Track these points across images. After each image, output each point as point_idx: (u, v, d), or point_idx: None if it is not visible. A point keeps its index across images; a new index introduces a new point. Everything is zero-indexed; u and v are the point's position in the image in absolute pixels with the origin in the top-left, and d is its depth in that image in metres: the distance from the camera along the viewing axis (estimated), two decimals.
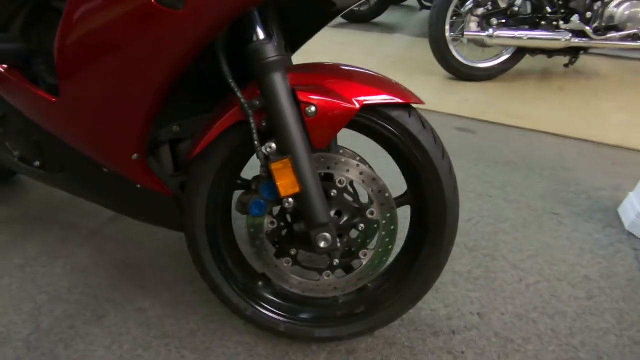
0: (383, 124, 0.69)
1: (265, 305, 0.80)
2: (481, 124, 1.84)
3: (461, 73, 2.29)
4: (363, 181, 0.71)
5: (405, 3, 4.47)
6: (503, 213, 1.26)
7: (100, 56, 0.56)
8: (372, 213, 0.72)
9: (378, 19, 3.83)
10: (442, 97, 2.14)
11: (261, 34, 0.59)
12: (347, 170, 0.70)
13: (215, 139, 0.66)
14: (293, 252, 0.75)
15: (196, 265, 0.78)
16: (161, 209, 0.83)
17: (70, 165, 0.77)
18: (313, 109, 0.62)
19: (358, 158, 0.87)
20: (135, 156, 0.69)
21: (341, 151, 0.82)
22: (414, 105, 0.72)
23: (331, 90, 0.63)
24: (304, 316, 0.81)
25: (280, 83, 0.60)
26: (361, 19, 3.80)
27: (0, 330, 0.89)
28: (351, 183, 0.73)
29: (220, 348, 0.85)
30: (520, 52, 2.21)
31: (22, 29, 0.66)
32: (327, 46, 3.18)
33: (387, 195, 0.72)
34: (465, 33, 2.13)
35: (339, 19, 3.77)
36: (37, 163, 0.81)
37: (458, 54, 2.25)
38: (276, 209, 0.73)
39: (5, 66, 0.65)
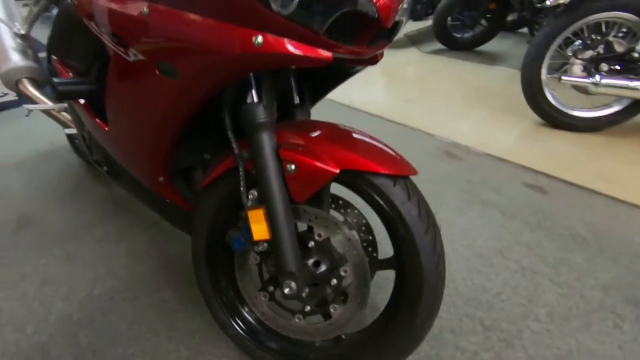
0: (366, 189, 0.70)
1: (247, 330, 0.88)
2: (558, 183, 1.61)
3: (556, 120, 2.02)
4: (339, 240, 0.73)
5: (521, 30, 4.09)
6: (543, 296, 1.10)
7: (128, 104, 0.72)
8: (345, 271, 0.74)
9: (483, 47, 3.60)
10: (523, 144, 1.93)
11: (252, 97, 0.66)
12: (326, 227, 0.73)
13: (216, 179, 0.76)
14: (271, 288, 0.81)
15: (196, 277, 0.90)
16: (185, 220, 0.98)
17: (122, 176, 0.98)
18: (293, 167, 0.67)
19: (350, 217, 0.87)
20: (161, 179, 0.84)
21: (333, 206, 0.84)
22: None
23: (314, 152, 0.67)
24: (279, 349, 0.87)
25: (265, 142, 0.67)
26: (463, 46, 3.61)
27: (68, 287, 1.16)
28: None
29: (210, 353, 0.96)
30: (637, 106, 1.84)
31: (97, 74, 0.89)
32: (416, 73, 3.12)
33: (362, 258, 0.72)
34: (563, 78, 1.87)
35: (437, 45, 3.66)
36: (105, 168, 1.05)
37: (554, 98, 1.99)
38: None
39: (82, 101, 0.89)
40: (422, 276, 0.69)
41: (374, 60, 0.73)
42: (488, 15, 3.45)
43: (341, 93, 2.68)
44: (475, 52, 3.57)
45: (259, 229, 0.69)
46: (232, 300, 0.89)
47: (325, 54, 0.55)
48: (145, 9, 0.55)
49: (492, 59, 3.36)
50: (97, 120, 0.84)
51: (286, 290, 0.71)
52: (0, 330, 1.03)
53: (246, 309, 0.89)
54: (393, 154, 0.74)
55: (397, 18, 0.62)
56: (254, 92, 0.66)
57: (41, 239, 1.37)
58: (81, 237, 1.37)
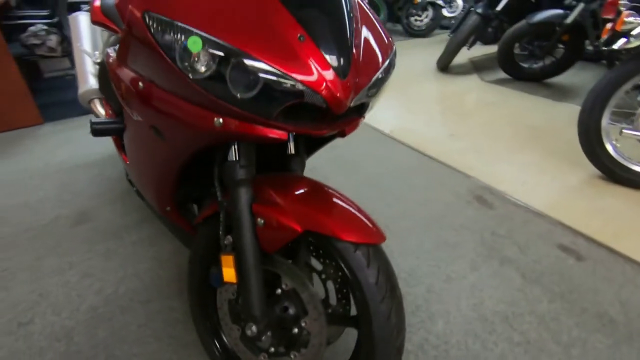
0: (329, 250, 0.73)
1: (224, 355, 0.96)
2: (599, 250, 1.44)
3: (615, 174, 1.80)
4: (302, 292, 0.77)
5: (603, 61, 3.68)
6: None
7: (137, 149, 0.85)
8: (305, 322, 0.78)
9: (555, 79, 3.31)
10: (569, 197, 1.76)
11: (233, 156, 0.74)
12: (292, 279, 0.78)
13: (207, 217, 0.86)
14: (242, 324, 0.88)
15: (188, 298, 1.00)
16: (190, 241, 1.09)
17: (144, 197, 1.14)
18: (262, 221, 0.73)
19: (328, 268, 0.89)
20: (167, 208, 0.96)
21: (314, 254, 0.87)
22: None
23: (283, 210, 0.72)
24: None
25: (241, 196, 0.74)
26: (530, 77, 3.36)
27: (101, 283, 1.35)
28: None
29: None
30: None
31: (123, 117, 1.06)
32: (470, 103, 2.99)
33: (321, 315, 0.76)
34: (625, 131, 1.67)
35: (502, 74, 3.45)
36: (134, 188, 1.22)
37: (615, 149, 1.78)
38: None
39: (112, 137, 1.06)
40: (372, 344, 0.71)
41: (341, 133, 0.76)
42: (561, 46, 3.17)
43: (383, 119, 2.69)
44: (544, 85, 3.31)
45: (229, 273, 0.77)
46: (214, 326, 0.97)
47: (279, 133, 0.61)
48: (141, 84, 0.66)
49: (561, 93, 3.08)
50: (123, 154, 1.00)
51: (248, 332, 0.77)
52: (44, 311, 1.25)
53: (225, 336, 0.97)
54: (363, 220, 0.76)
55: (362, 100, 0.65)
56: (234, 151, 0.74)
57: (91, 234, 1.60)
58: (121, 237, 1.58)
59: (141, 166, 0.93)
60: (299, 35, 0.53)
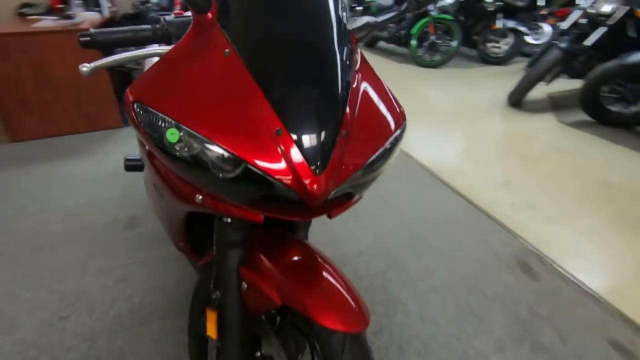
0: (307, 328, 0.72)
1: None
2: None
3: None
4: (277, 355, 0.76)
5: None
6: None
7: (150, 194, 0.92)
8: None
9: None
10: (638, 283, 1.49)
11: (225, 217, 0.75)
12: (270, 346, 0.78)
13: (207, 263, 0.90)
14: None
15: (188, 329, 1.05)
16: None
17: None
18: (246, 286, 0.74)
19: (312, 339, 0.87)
20: (180, 244, 1.02)
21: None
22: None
23: (267, 279, 0.72)
24: None
25: (229, 258, 0.75)
26: (618, 123, 2.94)
27: (131, 290, 1.48)
28: None
29: None
30: None
31: None
32: (537, 147, 2.70)
33: None
34: None
35: (583, 115, 3.08)
36: None
37: None
38: None
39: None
40: None
41: (329, 215, 0.73)
42: None
43: (433, 156, 2.56)
44: (634, 133, 2.87)
45: (211, 329, 0.79)
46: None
47: (255, 216, 0.61)
48: (146, 146, 0.72)
49: None
50: (149, 191, 1.10)
51: None
52: (80, 310, 1.40)
53: None
54: (349, 301, 0.72)
55: (348, 190, 0.63)
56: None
57: (136, 240, 1.77)
58: (159, 248, 1.72)
59: (155, 205, 1.01)
60: (276, 129, 0.54)
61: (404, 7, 0.77)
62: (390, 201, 2.08)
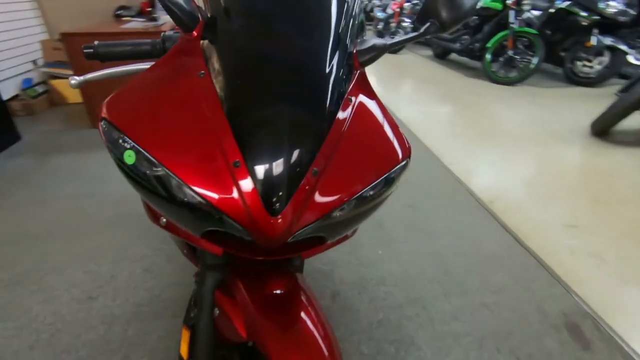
0: None
1: None
2: None
3: None
4: None
5: None
6: None
7: None
8: None
9: None
10: None
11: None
12: None
13: (194, 276, 0.89)
14: None
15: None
16: None
17: None
18: (217, 311, 0.71)
19: None
20: (184, 251, 1.04)
21: None
22: None
23: (238, 309, 0.69)
24: None
25: (207, 279, 0.73)
26: None
27: (154, 282, 1.56)
28: None
29: None
30: None
31: None
32: (620, 189, 2.30)
33: None
34: None
35: None
36: None
37: None
38: None
39: None
40: None
41: (299, 256, 0.66)
42: None
43: (487, 183, 2.31)
44: None
45: (183, 347, 0.78)
46: None
47: (214, 249, 0.57)
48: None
49: None
50: None
51: None
52: (107, 294, 1.51)
53: None
54: (322, 350, 0.65)
55: (318, 233, 0.56)
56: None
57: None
58: None
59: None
60: (234, 161, 0.49)
61: (423, 28, 0.68)
62: (426, 227, 1.92)
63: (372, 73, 5.31)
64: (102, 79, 0.68)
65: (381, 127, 0.64)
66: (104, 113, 0.54)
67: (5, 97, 2.91)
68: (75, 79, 0.67)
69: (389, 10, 7.06)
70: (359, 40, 0.68)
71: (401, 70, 5.51)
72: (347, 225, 0.59)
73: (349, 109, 0.60)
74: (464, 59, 5.75)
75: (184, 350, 0.77)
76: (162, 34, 0.71)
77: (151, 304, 1.45)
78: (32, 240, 1.78)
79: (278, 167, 0.49)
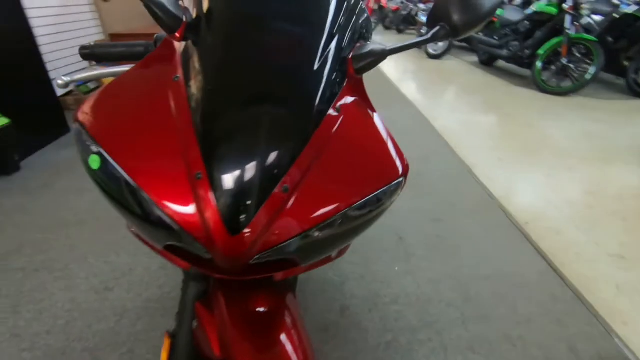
0: None
1: None
2: None
3: None
4: None
5: None
6: None
7: None
8: None
9: None
10: None
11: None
12: None
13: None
14: None
15: None
16: None
17: None
18: (195, 324, 0.69)
19: None
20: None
21: None
22: None
23: (214, 325, 0.66)
24: None
25: (190, 289, 0.71)
26: None
27: (165, 279, 1.58)
28: None
29: None
30: None
31: None
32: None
33: None
34: None
35: None
36: None
37: None
38: None
39: None
40: None
41: (272, 277, 0.61)
42: None
43: (525, 203, 2.15)
44: None
45: (163, 355, 0.75)
46: None
47: (181, 263, 0.54)
48: None
49: None
50: None
51: None
52: (122, 286, 1.56)
53: None
54: None
55: (288, 257, 0.51)
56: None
57: None
58: None
59: None
60: (197, 172, 0.46)
61: (431, 32, 0.61)
62: (450, 244, 1.80)
63: (411, 79, 5.16)
64: (87, 80, 0.68)
65: (373, 141, 0.58)
66: (77, 115, 0.53)
67: (60, 92, 3.14)
68: (62, 79, 0.68)
69: None
70: (358, 45, 0.63)
71: (442, 77, 5.29)
72: (324, 248, 0.54)
73: (335, 121, 0.54)
74: (512, 67, 5.42)
75: (164, 355, 0.76)
76: (155, 35, 0.70)
77: (161, 301, 1.48)
78: (65, 228, 1.89)
79: (243, 181, 0.45)
